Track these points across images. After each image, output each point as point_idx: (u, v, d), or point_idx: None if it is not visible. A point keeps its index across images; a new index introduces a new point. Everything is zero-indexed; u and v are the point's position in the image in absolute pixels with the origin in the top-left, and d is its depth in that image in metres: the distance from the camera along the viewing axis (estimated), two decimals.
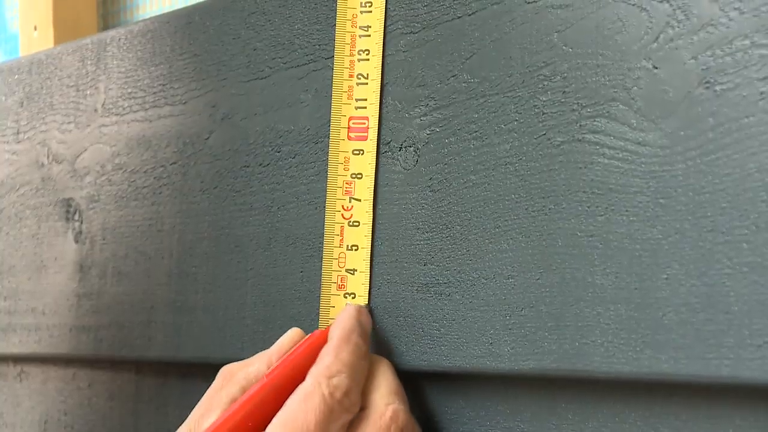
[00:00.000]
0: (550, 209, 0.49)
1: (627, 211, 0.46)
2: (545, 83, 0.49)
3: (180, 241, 0.67)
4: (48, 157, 0.77)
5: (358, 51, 0.57)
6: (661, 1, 0.45)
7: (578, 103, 0.48)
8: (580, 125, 0.48)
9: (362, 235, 0.56)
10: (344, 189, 0.57)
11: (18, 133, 0.80)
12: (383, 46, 0.57)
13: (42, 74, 0.79)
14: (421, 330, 0.54)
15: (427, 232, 0.54)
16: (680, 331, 0.44)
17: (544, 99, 0.49)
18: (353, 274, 0.57)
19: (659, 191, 0.45)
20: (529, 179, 0.50)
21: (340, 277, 0.57)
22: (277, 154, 0.62)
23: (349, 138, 0.57)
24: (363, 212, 0.56)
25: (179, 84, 0.68)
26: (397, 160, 0.56)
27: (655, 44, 0.45)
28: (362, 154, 0.57)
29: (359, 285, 0.56)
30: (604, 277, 0.46)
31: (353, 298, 0.56)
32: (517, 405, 0.51)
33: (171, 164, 0.68)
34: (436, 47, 0.54)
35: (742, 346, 0.42)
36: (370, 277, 0.56)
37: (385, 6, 0.57)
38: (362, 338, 0.53)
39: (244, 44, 0.64)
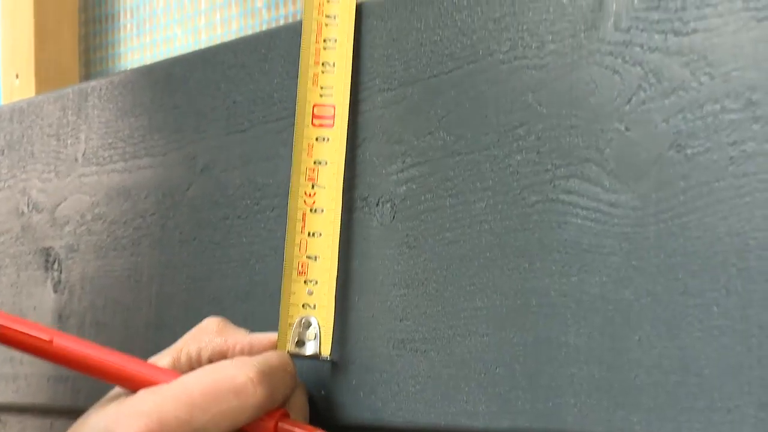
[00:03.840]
0: (524, 268, 0.49)
1: (600, 271, 0.46)
2: (520, 142, 0.50)
3: (158, 293, 0.67)
4: (28, 205, 0.77)
5: (324, 39, 0.58)
6: (633, 65, 0.46)
7: (552, 163, 0.48)
8: (554, 185, 0.48)
9: (328, 222, 0.56)
10: (307, 175, 0.57)
11: None
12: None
13: (23, 123, 0.79)
14: (397, 386, 0.54)
15: (403, 288, 0.54)
16: (652, 392, 0.44)
17: (518, 158, 0.50)
18: (315, 260, 0.57)
19: (632, 252, 0.45)
20: (503, 237, 0.50)
21: (300, 263, 0.57)
22: (256, 207, 0.62)
23: (313, 125, 0.57)
24: (328, 199, 0.56)
25: (159, 135, 0.68)
26: (374, 215, 0.56)
27: (628, 107, 0.46)
28: (327, 141, 0.57)
29: (323, 272, 0.56)
30: (578, 337, 0.47)
31: (315, 284, 0.56)
32: None
33: (150, 215, 0.68)
34: (413, 104, 0.55)
35: (713, 409, 0.42)
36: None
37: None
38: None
39: (224, 97, 0.64)
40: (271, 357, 0.54)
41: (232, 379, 0.51)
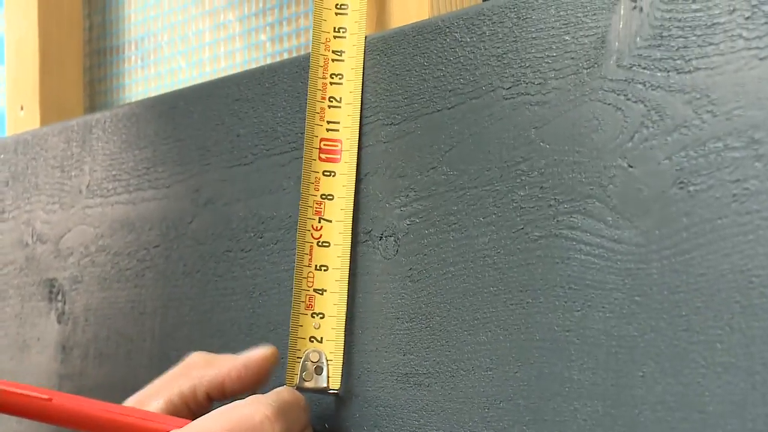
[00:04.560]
0: (527, 303, 0.49)
1: (603, 307, 0.46)
2: (523, 178, 0.50)
3: (162, 325, 0.67)
4: (32, 236, 0.78)
5: (331, 75, 0.58)
6: (636, 102, 0.46)
7: (555, 198, 0.49)
8: (557, 221, 0.48)
9: (334, 256, 0.57)
10: (314, 209, 0.57)
11: (3, 212, 0.81)
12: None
13: (28, 154, 0.79)
14: (400, 420, 0.54)
15: (407, 322, 0.54)
16: (655, 429, 0.44)
17: (521, 194, 0.50)
18: (322, 294, 0.57)
19: (635, 289, 0.45)
20: (507, 272, 0.50)
21: (308, 297, 0.57)
22: (259, 240, 0.62)
23: (320, 159, 0.58)
24: (335, 233, 0.57)
25: (163, 168, 0.68)
26: (378, 249, 0.56)
27: (630, 143, 0.46)
28: (334, 176, 0.57)
29: (329, 305, 0.56)
30: (581, 372, 0.47)
31: (321, 318, 0.56)
32: None
33: (154, 247, 0.68)
34: (416, 139, 0.55)
35: None
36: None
37: (364, 36, 0.58)
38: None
39: (227, 130, 0.65)
40: (284, 393, 0.54)
41: (249, 419, 0.51)
